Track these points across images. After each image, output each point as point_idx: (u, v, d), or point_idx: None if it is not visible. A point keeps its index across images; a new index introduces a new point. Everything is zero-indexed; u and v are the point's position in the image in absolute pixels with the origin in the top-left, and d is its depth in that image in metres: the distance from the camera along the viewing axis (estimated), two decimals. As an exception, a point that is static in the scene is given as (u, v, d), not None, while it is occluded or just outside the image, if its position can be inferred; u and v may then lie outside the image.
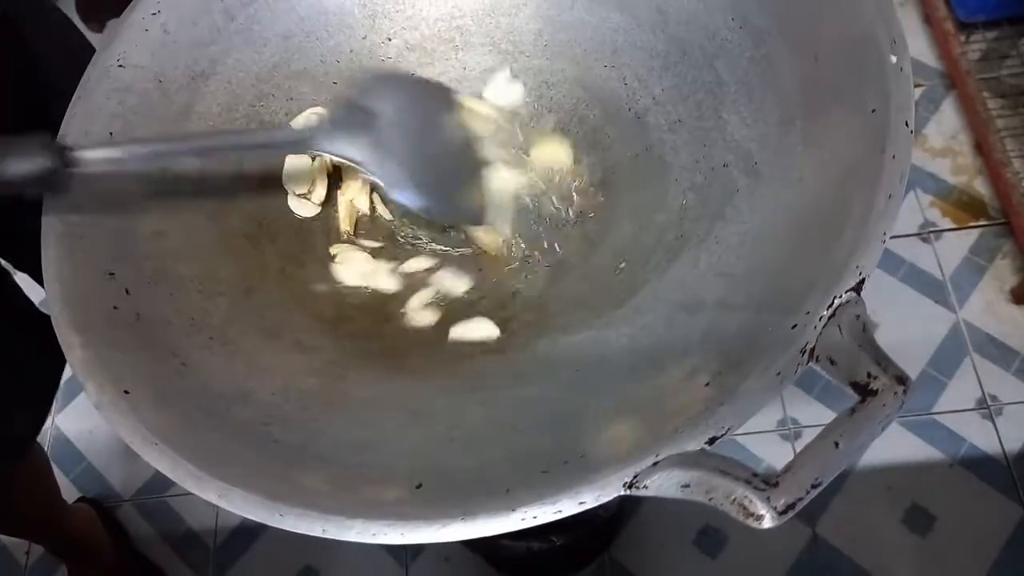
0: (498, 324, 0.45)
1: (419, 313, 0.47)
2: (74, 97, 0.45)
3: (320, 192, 0.49)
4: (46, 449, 1.12)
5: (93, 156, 0.39)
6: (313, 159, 0.50)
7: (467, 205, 0.50)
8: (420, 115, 0.49)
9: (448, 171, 0.50)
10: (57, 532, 0.93)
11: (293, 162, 0.49)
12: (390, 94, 0.48)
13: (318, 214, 0.50)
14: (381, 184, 0.45)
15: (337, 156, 0.45)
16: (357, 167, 0.45)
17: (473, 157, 0.51)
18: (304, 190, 0.49)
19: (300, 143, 0.46)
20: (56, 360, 0.62)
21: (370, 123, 0.45)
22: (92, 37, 1.44)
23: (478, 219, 0.49)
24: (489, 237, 0.49)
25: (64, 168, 0.39)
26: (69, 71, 0.45)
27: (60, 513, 0.93)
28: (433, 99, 0.51)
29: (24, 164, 0.38)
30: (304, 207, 0.49)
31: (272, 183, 0.50)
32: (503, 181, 0.50)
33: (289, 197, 0.49)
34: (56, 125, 0.44)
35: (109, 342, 0.38)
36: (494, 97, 0.53)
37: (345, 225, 0.50)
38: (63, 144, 0.39)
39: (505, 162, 0.51)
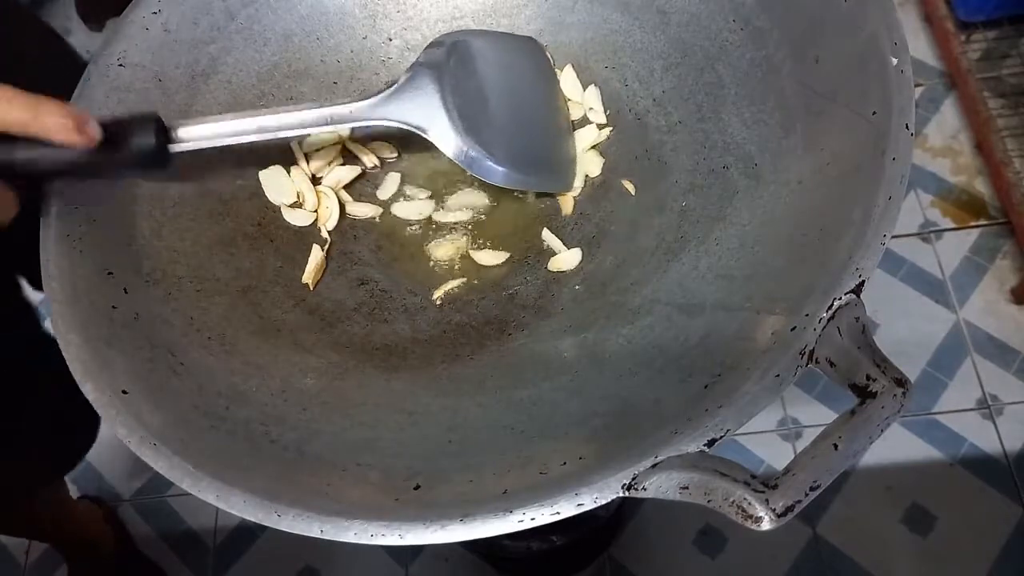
0: (497, 326, 0.45)
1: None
2: (74, 96, 0.45)
3: (311, 199, 0.49)
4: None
5: (192, 133, 0.40)
6: (289, 170, 0.49)
7: (559, 171, 0.48)
8: (507, 73, 0.48)
9: (539, 133, 0.48)
10: (67, 531, 0.94)
11: (269, 178, 0.49)
12: (470, 53, 0.46)
13: (315, 220, 0.49)
14: (453, 159, 0.44)
15: (409, 127, 0.43)
16: (429, 139, 0.43)
17: (564, 115, 0.50)
18: (292, 201, 0.49)
19: (374, 115, 0.43)
20: None
21: (453, 87, 0.44)
22: (92, 36, 1.45)
23: (569, 185, 0.48)
24: (565, 200, 0.49)
25: (166, 145, 0.39)
26: (53, 77, 0.44)
27: (70, 514, 0.94)
28: (519, 53, 0.50)
29: (136, 142, 0.38)
30: (299, 216, 0.49)
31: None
32: (581, 138, 0.50)
33: (283, 210, 0.49)
34: None
35: (107, 341, 0.38)
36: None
37: (324, 233, 0.49)
38: (165, 121, 0.39)
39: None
